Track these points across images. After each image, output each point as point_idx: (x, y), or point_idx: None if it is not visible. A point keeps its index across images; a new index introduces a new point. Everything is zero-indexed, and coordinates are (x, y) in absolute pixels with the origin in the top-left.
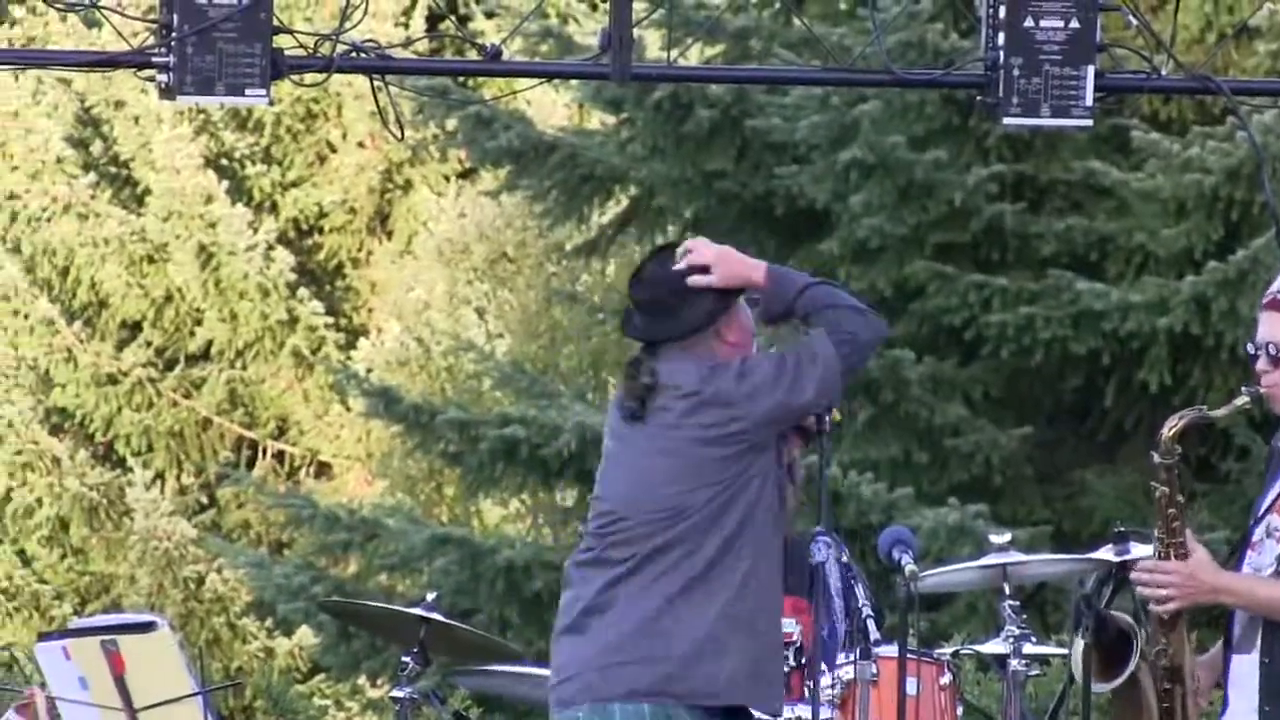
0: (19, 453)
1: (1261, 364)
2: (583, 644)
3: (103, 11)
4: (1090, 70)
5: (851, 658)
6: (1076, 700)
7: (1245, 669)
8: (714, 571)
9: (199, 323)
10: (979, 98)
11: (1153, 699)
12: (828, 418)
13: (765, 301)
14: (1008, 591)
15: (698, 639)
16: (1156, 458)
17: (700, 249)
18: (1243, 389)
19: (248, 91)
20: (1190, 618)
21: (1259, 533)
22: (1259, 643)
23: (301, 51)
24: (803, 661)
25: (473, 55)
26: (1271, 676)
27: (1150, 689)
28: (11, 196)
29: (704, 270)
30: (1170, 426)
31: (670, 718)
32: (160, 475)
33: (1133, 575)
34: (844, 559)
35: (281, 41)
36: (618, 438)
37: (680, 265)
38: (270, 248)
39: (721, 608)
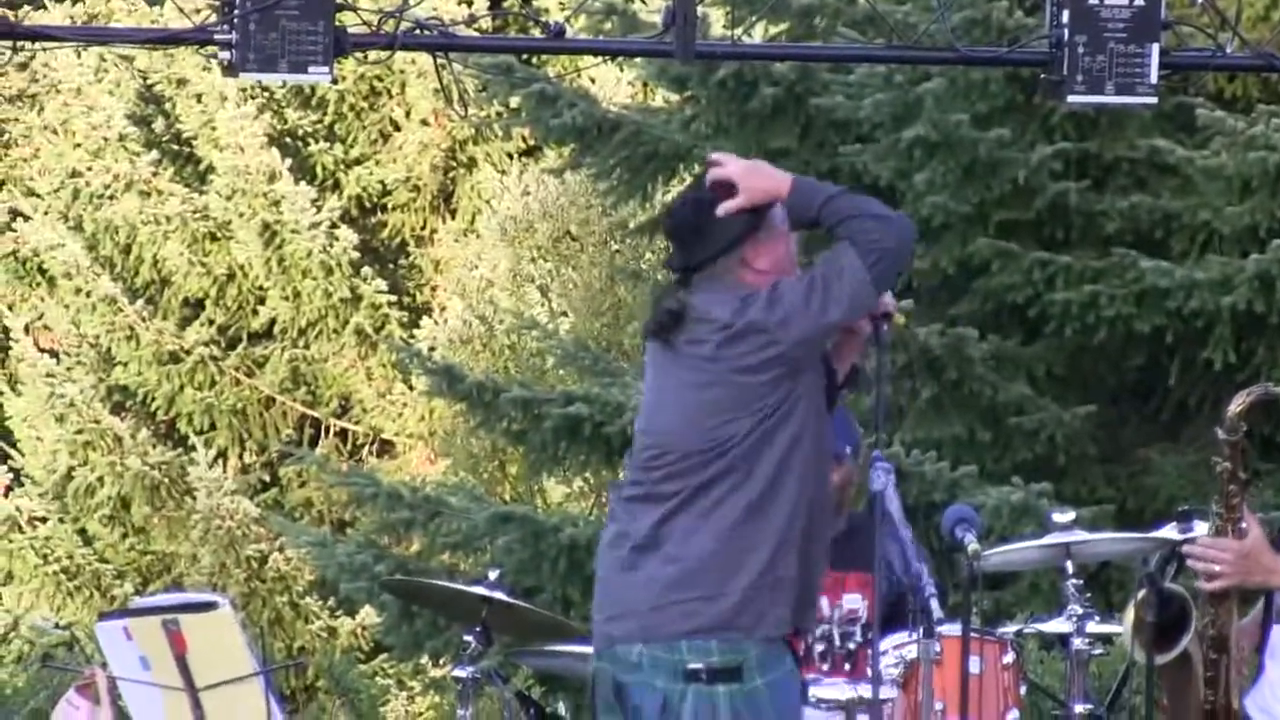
0: (80, 431)
1: None
2: (635, 581)
3: None
4: (1155, 48)
5: (915, 636)
6: (1140, 680)
7: None
8: (768, 498)
9: (262, 301)
10: (1043, 75)
11: (1200, 669)
12: (886, 326)
13: (790, 212)
14: (1071, 570)
15: (759, 570)
16: (1222, 434)
17: (725, 164)
18: None
19: (311, 69)
20: (1241, 594)
21: None
22: None
23: (365, 29)
24: (868, 637)
25: (536, 33)
26: None
27: (1199, 660)
28: (74, 174)
29: (730, 189)
30: (1238, 403)
31: (738, 651)
32: (222, 454)
33: (1186, 549)
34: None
35: (344, 18)
36: (656, 368)
37: (707, 185)
38: (333, 226)
39: (779, 534)
